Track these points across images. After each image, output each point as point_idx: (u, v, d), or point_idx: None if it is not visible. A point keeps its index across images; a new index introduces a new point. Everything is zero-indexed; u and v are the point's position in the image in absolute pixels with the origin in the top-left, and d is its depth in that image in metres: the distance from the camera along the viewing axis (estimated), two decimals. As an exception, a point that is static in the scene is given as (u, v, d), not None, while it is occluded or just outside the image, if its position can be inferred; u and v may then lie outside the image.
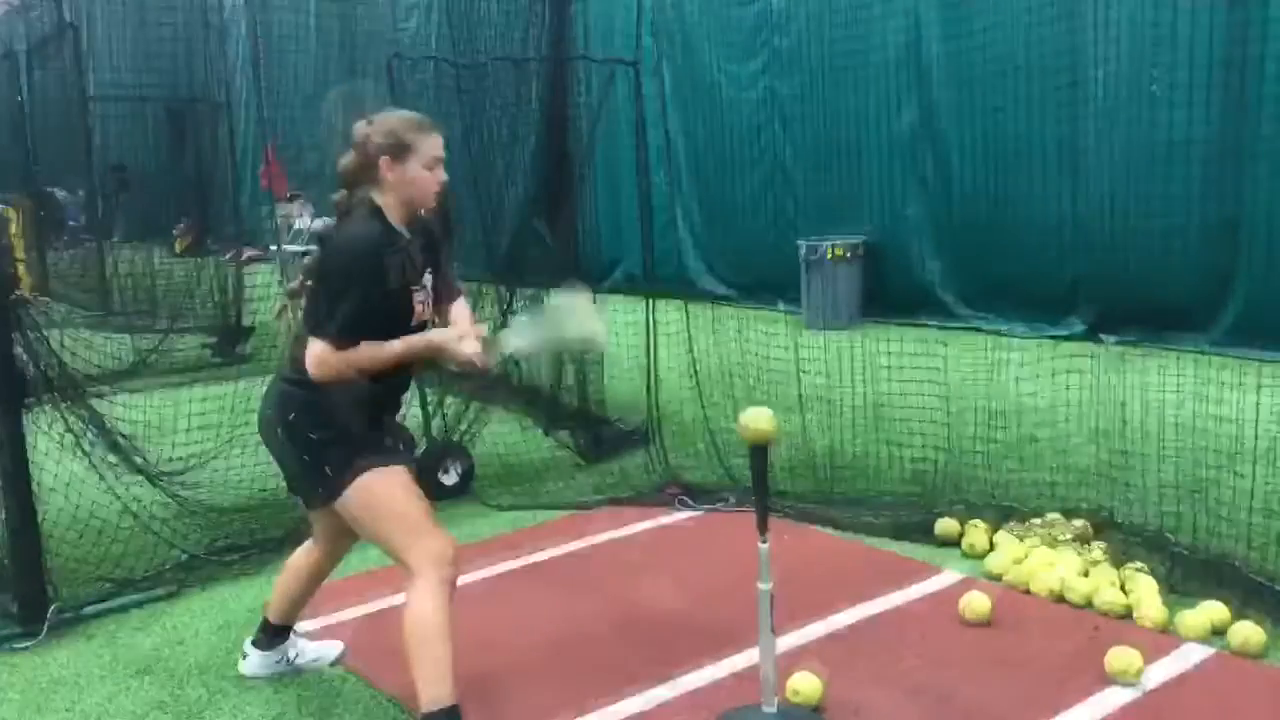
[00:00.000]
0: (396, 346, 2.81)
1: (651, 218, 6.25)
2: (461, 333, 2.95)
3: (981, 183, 8.46)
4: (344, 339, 2.73)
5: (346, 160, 2.89)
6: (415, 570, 2.78)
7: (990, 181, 8.38)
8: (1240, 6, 6.87)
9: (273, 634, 3.35)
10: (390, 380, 2.93)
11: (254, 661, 3.37)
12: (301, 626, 3.47)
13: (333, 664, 3.43)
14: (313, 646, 3.46)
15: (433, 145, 2.89)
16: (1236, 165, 6.99)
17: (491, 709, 3.12)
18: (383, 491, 2.83)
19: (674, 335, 5.63)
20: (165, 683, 3.37)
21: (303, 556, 3.27)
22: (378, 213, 2.86)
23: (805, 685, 3.06)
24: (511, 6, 5.51)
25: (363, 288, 2.74)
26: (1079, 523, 4.12)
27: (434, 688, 2.74)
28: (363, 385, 2.82)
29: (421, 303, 2.94)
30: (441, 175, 2.92)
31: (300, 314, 2.90)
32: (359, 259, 2.77)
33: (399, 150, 2.83)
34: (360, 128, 2.87)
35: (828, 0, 9.35)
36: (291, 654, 3.39)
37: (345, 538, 3.14)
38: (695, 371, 5.40)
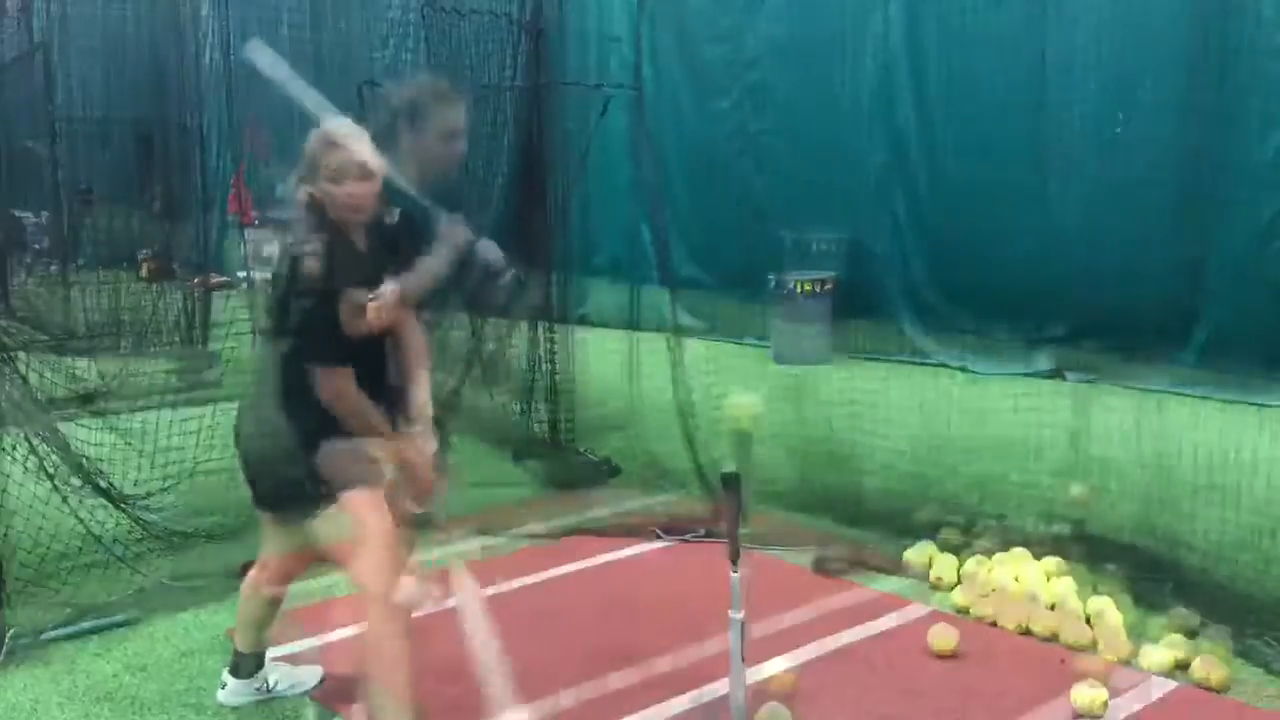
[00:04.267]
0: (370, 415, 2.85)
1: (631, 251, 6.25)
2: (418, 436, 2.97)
3: (950, 223, 8.56)
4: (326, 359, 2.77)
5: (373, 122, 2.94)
6: (370, 605, 2.81)
7: (959, 222, 8.48)
8: (1209, 49, 7.02)
9: (247, 662, 3.32)
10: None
11: (232, 689, 3.34)
12: (278, 651, 3.43)
13: (310, 690, 3.40)
14: (291, 671, 3.43)
15: (450, 116, 2.97)
16: (1201, 206, 7.13)
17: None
18: (364, 512, 2.83)
19: (644, 368, 5.65)
20: (126, 711, 3.31)
21: (253, 581, 3.26)
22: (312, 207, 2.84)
23: (776, 717, 3.06)
24: (492, 36, 5.54)
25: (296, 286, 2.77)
26: (1050, 560, 4.14)
27: (389, 706, 2.75)
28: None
29: (374, 307, 2.84)
30: (459, 147, 3.01)
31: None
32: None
33: (415, 117, 2.94)
34: (385, 89, 2.90)
35: (800, 38, 9.47)
36: (272, 680, 3.36)
37: (298, 560, 3.16)
38: (682, 409, 5.37)
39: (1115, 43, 7.49)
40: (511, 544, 4.75)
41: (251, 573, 3.27)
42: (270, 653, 3.40)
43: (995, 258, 8.21)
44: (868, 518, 4.80)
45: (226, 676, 3.35)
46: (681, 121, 10.62)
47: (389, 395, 3.00)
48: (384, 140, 2.86)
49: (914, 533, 4.52)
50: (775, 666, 3.47)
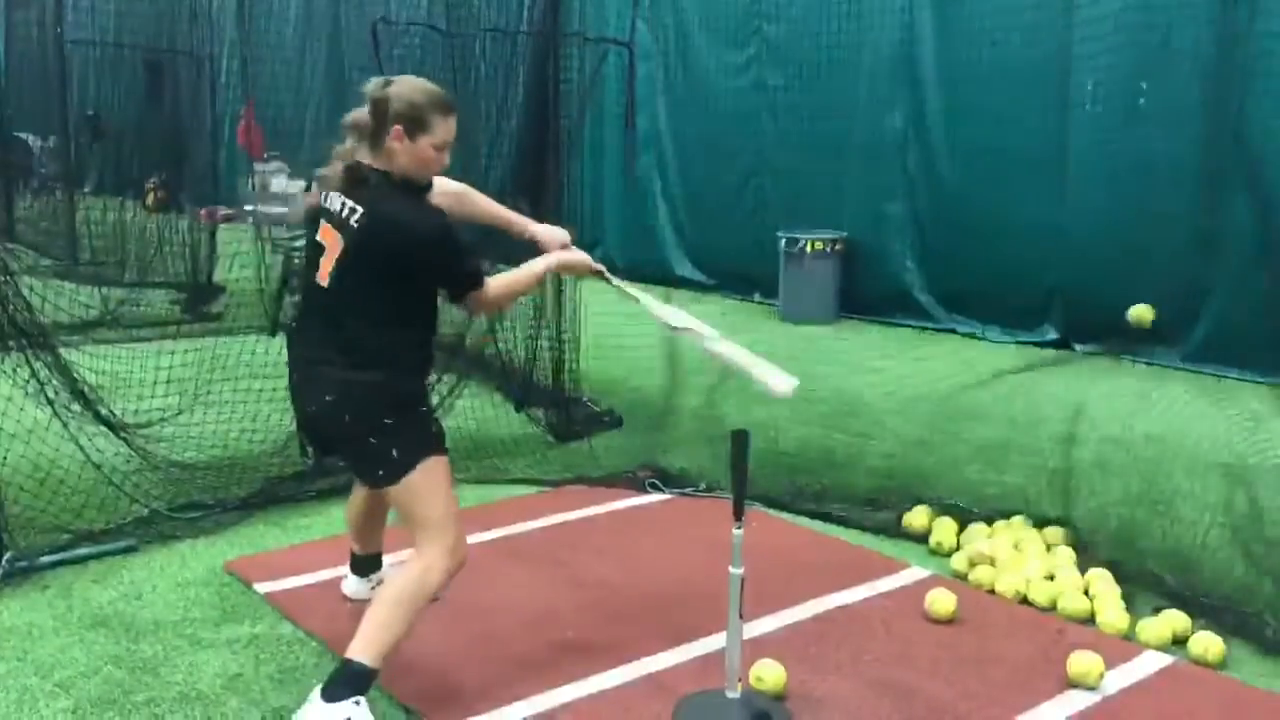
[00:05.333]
0: (536, 267, 3.09)
1: (640, 203, 6.19)
2: (565, 242, 3.22)
3: (966, 186, 8.46)
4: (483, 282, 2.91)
5: (358, 116, 2.84)
6: (431, 553, 2.84)
7: (975, 186, 8.38)
8: (1230, 24, 6.92)
9: (364, 562, 3.49)
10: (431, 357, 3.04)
11: (351, 584, 3.53)
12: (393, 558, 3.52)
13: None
14: None
15: (448, 129, 2.86)
16: (1219, 182, 7.05)
17: (451, 683, 3.09)
18: (435, 480, 2.89)
19: (650, 320, 5.60)
20: (120, 637, 3.32)
21: (357, 488, 3.40)
22: (407, 185, 2.86)
23: (769, 673, 3.06)
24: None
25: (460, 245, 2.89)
26: (1050, 530, 4.13)
27: (375, 645, 2.76)
28: (420, 374, 3.00)
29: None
30: (446, 160, 2.91)
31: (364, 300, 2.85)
32: (448, 225, 2.87)
33: (415, 125, 2.79)
34: (378, 86, 2.81)
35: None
36: (384, 579, 3.42)
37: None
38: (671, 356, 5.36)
39: (1142, 12, 7.36)
40: (510, 490, 4.74)
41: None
42: (387, 558, 3.52)
43: (1009, 223, 8.13)
44: (869, 479, 4.78)
45: (348, 571, 3.54)
46: (698, 72, 10.50)
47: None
48: (374, 138, 2.82)
49: (914, 496, 4.51)
50: (775, 623, 3.47)
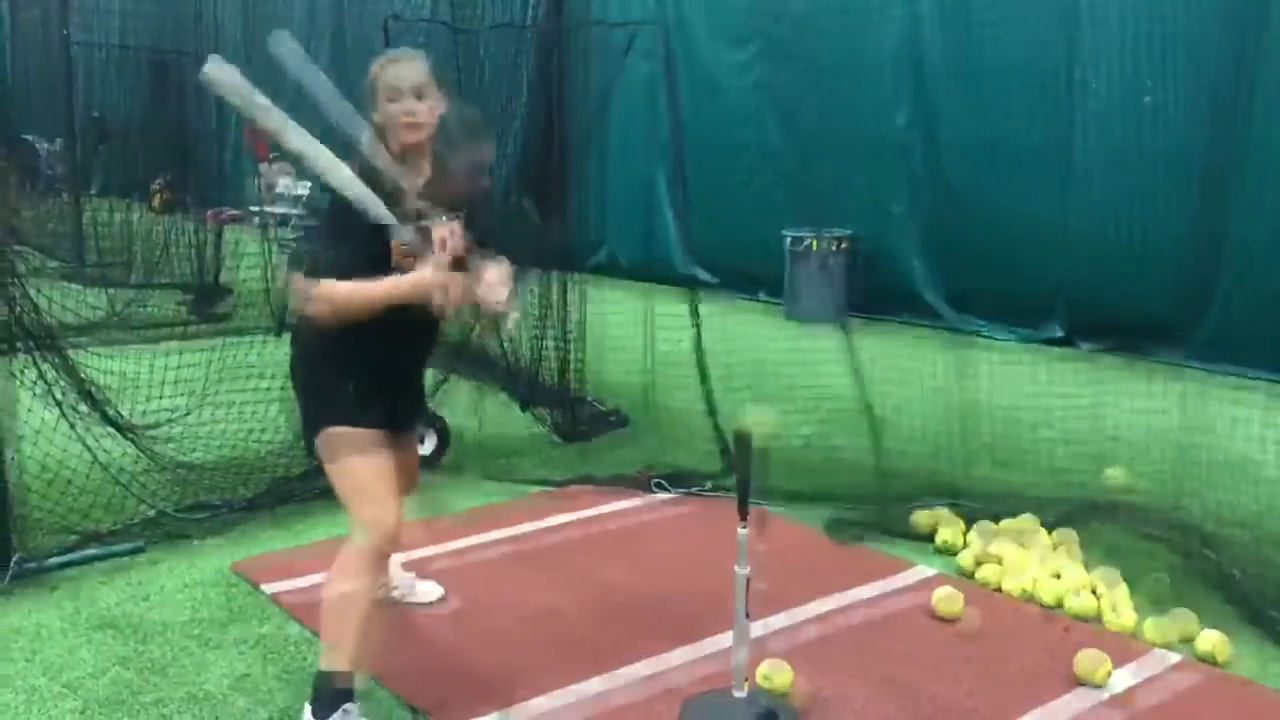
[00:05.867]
0: (379, 287, 2.66)
1: (646, 202, 6.15)
2: (438, 266, 2.67)
3: (972, 185, 8.45)
4: (317, 273, 2.65)
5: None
6: (353, 532, 2.78)
7: (980, 184, 8.38)
8: (1236, 20, 6.91)
9: None
10: (400, 348, 2.91)
11: None
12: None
13: (429, 605, 3.53)
14: (412, 581, 3.59)
15: (393, 75, 2.78)
16: (1225, 180, 7.03)
17: (456, 682, 3.10)
18: (340, 451, 2.80)
19: (658, 320, 5.61)
20: (128, 638, 3.33)
21: None
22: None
23: (776, 673, 3.06)
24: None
25: (334, 222, 2.73)
26: (1061, 532, 4.12)
27: (337, 650, 2.73)
28: (360, 345, 2.74)
29: (406, 255, 2.72)
30: (408, 106, 2.76)
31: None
32: (335, 202, 2.70)
33: (370, 94, 2.80)
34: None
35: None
36: (393, 585, 3.44)
37: (401, 474, 3.02)
38: (699, 359, 5.32)
39: (1148, 9, 7.35)
40: (516, 490, 4.74)
41: None
42: (397, 557, 3.50)
43: (1015, 221, 8.12)
44: (875, 478, 4.77)
45: None
46: (701, 70, 10.49)
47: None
48: (377, 129, 2.81)
49: (921, 495, 4.50)
50: (782, 622, 3.47)
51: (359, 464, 2.79)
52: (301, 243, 2.76)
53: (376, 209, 2.65)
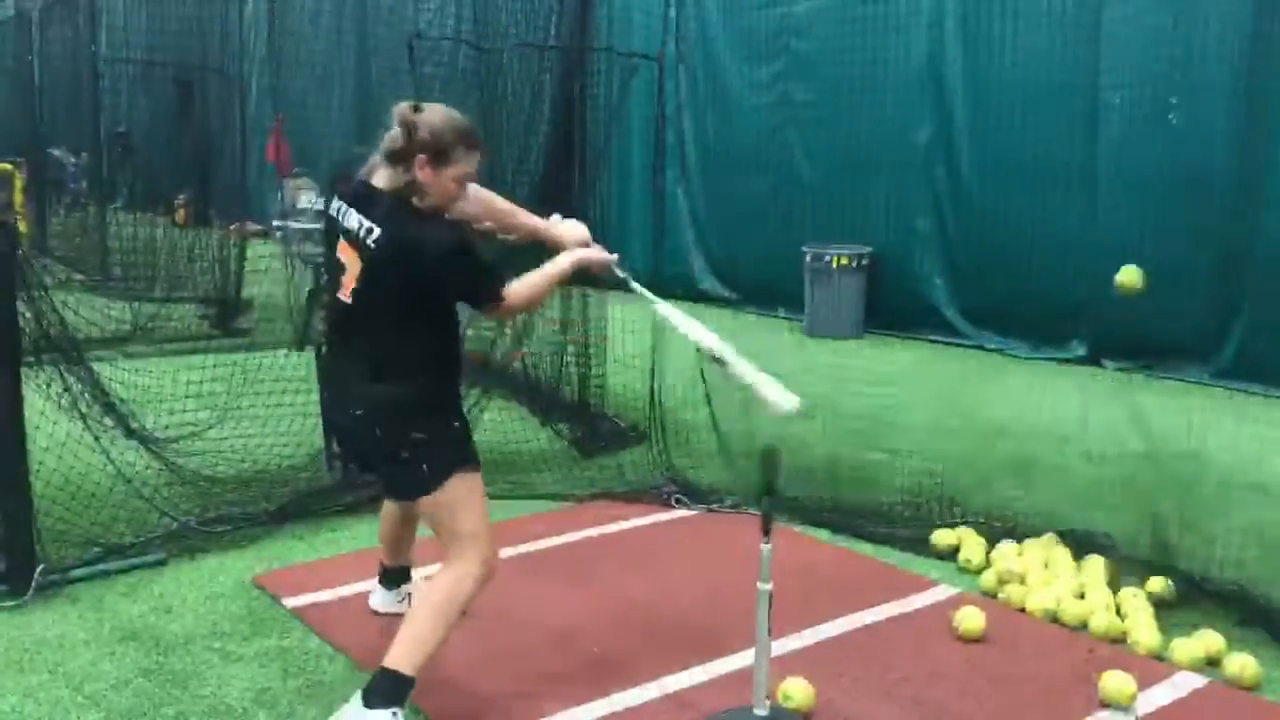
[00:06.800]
0: (558, 265, 3.05)
1: (664, 217, 6.18)
2: (585, 239, 3.19)
3: (994, 202, 8.43)
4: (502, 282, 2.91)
5: (393, 136, 2.84)
6: (463, 564, 2.87)
7: (1002, 201, 8.35)
8: (1262, 39, 6.87)
9: (393, 574, 3.52)
10: (459, 378, 3.04)
11: (379, 598, 3.56)
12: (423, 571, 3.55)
13: None
14: None
15: (470, 163, 2.89)
16: (1249, 197, 6.99)
17: (476, 698, 3.09)
18: (469, 493, 2.92)
19: (677, 335, 5.59)
20: (150, 650, 3.34)
21: (388, 503, 3.45)
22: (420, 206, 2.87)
23: (797, 691, 3.04)
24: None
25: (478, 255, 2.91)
26: (1087, 561, 4.07)
27: (412, 655, 2.79)
28: (453, 383, 2.98)
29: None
30: (466, 194, 2.99)
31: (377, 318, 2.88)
32: (464, 239, 2.89)
33: (439, 156, 2.81)
34: (406, 111, 2.81)
35: (849, 7, 9.32)
36: (413, 593, 3.51)
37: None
38: (703, 377, 5.31)
39: (1171, 20, 7.32)
40: (535, 505, 4.74)
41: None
42: (416, 572, 3.56)
43: (1037, 238, 8.10)
44: (897, 495, 4.75)
45: (375, 585, 3.56)
46: (723, 87, 10.53)
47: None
48: (400, 159, 2.84)
49: (942, 513, 4.48)
50: (803, 640, 3.45)
51: (480, 503, 2.95)
52: (483, 280, 2.91)
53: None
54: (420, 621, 2.82)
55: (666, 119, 5.42)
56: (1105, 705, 3.10)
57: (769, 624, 2.84)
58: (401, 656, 2.78)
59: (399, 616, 3.04)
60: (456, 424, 2.97)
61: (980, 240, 8.57)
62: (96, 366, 4.46)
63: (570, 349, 5.71)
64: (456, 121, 2.86)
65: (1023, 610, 3.72)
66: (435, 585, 2.87)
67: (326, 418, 3.13)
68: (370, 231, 2.80)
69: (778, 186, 10.10)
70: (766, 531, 2.81)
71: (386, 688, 2.77)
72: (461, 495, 2.89)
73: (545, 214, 3.38)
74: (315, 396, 4.04)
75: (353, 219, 2.85)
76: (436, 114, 2.84)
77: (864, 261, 9.11)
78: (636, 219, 11.18)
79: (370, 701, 2.76)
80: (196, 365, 5.61)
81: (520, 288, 2.94)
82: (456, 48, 5.61)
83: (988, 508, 4.51)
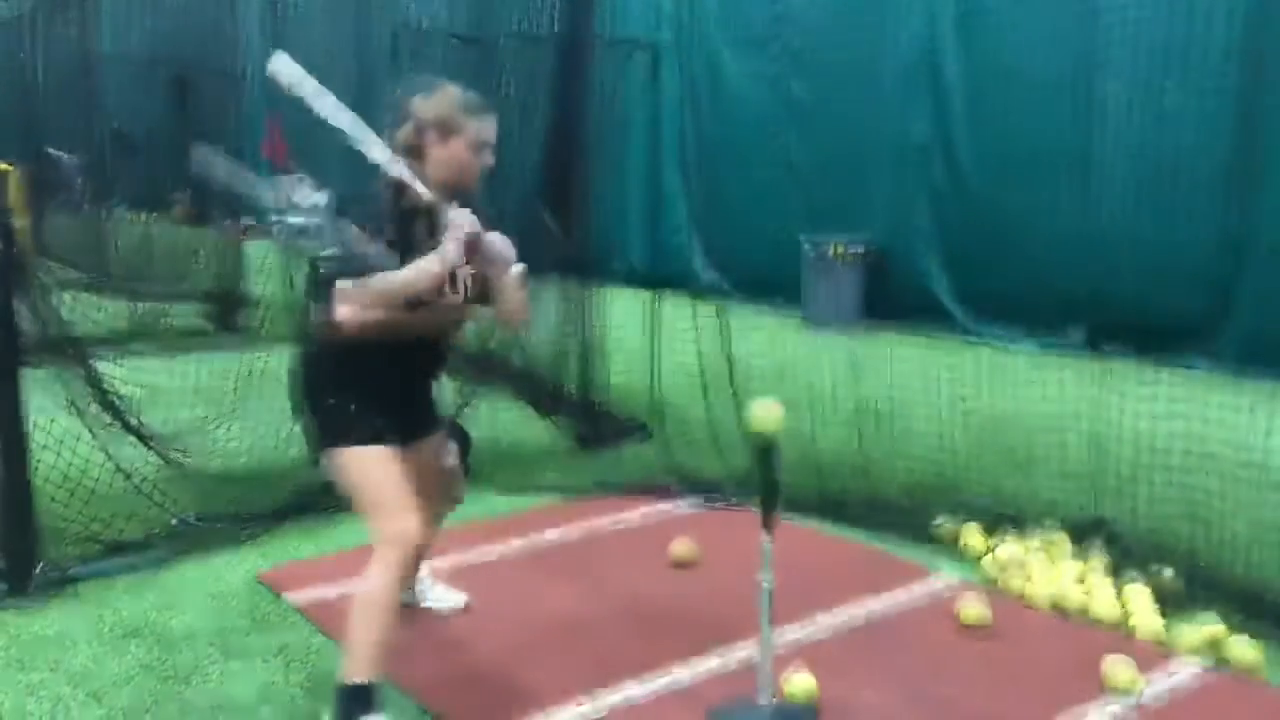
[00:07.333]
0: (405, 273, 2.73)
1: (662, 208, 6.17)
2: (456, 241, 2.79)
3: (991, 191, 8.41)
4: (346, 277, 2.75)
5: (403, 132, 2.86)
6: (377, 549, 2.81)
7: (1000, 191, 8.34)
8: (1257, 23, 6.87)
9: None
10: (404, 363, 2.95)
11: None
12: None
13: (453, 612, 3.56)
14: (438, 588, 3.61)
15: (481, 129, 2.88)
16: (1247, 183, 6.98)
17: (478, 690, 3.09)
18: (354, 468, 2.86)
19: (677, 329, 5.59)
20: (153, 646, 3.34)
21: None
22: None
23: (801, 682, 3.04)
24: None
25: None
26: (1089, 549, 4.07)
27: (359, 662, 2.75)
28: (362, 363, 2.85)
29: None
30: (488, 159, 2.92)
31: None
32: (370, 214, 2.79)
33: (445, 129, 2.83)
34: (415, 100, 2.84)
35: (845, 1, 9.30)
36: (419, 591, 3.51)
37: (429, 481, 3.10)
38: (707, 370, 5.32)
39: (1168, 13, 7.31)
40: (537, 498, 4.74)
41: None
42: (425, 565, 3.53)
43: (1035, 228, 8.08)
44: (899, 486, 4.75)
45: None
46: (720, 78, 10.50)
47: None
48: (417, 152, 2.85)
49: (944, 503, 4.47)
50: (805, 631, 3.46)
51: (371, 480, 2.85)
52: (333, 261, 2.79)
53: (415, 183, 2.80)
54: (355, 629, 2.76)
55: (663, 110, 5.38)
56: (1109, 691, 3.11)
57: (771, 616, 2.84)
58: (350, 665, 2.76)
59: (409, 608, 3.03)
60: (353, 404, 2.86)
61: (978, 230, 8.55)
62: (96, 364, 4.45)
63: (571, 342, 5.70)
64: (456, 92, 2.88)
65: (1024, 598, 3.73)
66: (359, 590, 2.81)
67: None
68: None
69: (775, 178, 10.07)
70: (767, 526, 2.81)
71: (349, 701, 2.74)
72: (344, 471, 2.86)
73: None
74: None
75: None
76: (436, 94, 2.87)
77: (862, 253, 9.09)
78: (634, 210, 11.21)
79: None
80: (196, 362, 5.61)
81: (356, 290, 2.73)
82: (446, 39, 5.58)
83: (989, 496, 4.51)
